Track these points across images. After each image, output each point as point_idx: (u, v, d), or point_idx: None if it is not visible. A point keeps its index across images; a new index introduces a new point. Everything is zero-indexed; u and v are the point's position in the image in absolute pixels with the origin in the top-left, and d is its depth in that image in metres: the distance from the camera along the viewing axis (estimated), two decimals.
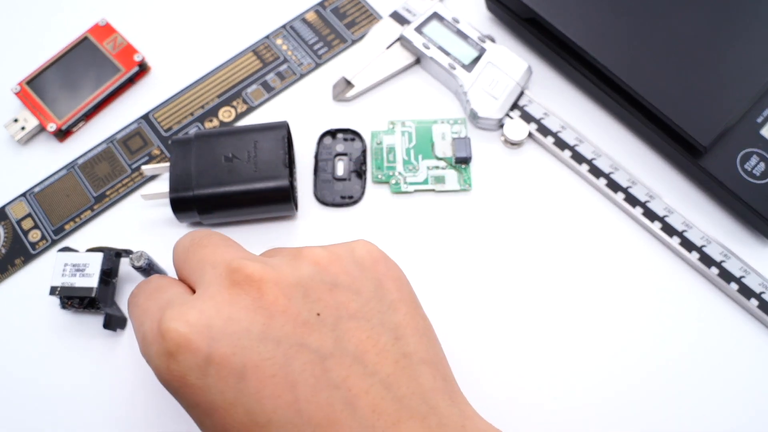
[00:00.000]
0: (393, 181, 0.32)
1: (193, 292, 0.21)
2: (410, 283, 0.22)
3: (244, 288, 0.19)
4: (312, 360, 0.18)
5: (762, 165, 0.30)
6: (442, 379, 0.19)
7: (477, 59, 0.33)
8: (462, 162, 0.32)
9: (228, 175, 0.29)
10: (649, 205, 0.31)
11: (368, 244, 0.22)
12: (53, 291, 0.28)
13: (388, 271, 0.21)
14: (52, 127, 0.33)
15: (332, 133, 0.33)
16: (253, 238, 0.31)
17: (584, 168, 0.32)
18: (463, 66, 0.33)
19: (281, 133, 0.30)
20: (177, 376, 0.18)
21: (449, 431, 0.18)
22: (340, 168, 0.33)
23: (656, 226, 0.31)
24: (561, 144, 0.32)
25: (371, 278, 0.21)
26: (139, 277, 0.31)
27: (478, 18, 0.36)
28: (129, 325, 0.30)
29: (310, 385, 0.18)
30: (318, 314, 0.19)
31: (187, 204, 0.30)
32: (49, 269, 0.31)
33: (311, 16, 0.36)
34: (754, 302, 0.29)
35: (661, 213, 0.31)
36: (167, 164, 0.31)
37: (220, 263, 0.20)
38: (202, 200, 0.29)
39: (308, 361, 0.18)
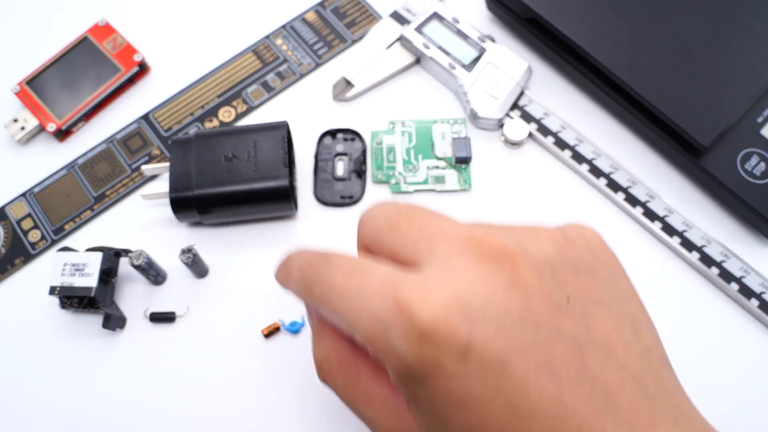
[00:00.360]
0: (393, 181, 0.32)
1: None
2: None
3: (496, 263, 0.17)
4: (570, 348, 0.16)
5: (762, 165, 0.30)
6: (676, 379, 0.18)
7: (477, 59, 0.33)
8: (462, 162, 0.32)
9: (228, 175, 0.29)
10: (649, 205, 0.31)
11: (593, 229, 0.20)
12: (53, 291, 0.28)
13: (615, 258, 0.20)
14: (52, 127, 0.33)
15: (332, 133, 0.33)
16: (253, 238, 0.31)
17: (584, 168, 0.32)
18: (463, 66, 0.33)
19: (281, 133, 0.30)
20: (431, 361, 0.16)
21: None
22: (340, 168, 0.33)
23: (656, 226, 0.31)
24: (561, 144, 0.32)
25: (604, 264, 0.19)
26: (139, 277, 0.31)
27: (478, 18, 0.36)
28: (128, 324, 0.30)
29: (571, 376, 0.16)
30: (568, 298, 0.17)
31: (187, 204, 0.30)
32: (48, 269, 0.31)
33: (311, 16, 0.36)
34: (754, 302, 0.29)
35: (661, 213, 0.31)
36: (167, 164, 0.31)
37: (453, 234, 0.17)
38: (202, 200, 0.29)
39: (566, 349, 0.16)
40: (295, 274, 0.20)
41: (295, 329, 0.29)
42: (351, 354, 0.20)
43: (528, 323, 0.16)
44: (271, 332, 0.29)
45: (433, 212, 0.19)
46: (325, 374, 0.20)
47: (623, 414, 0.16)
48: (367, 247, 0.20)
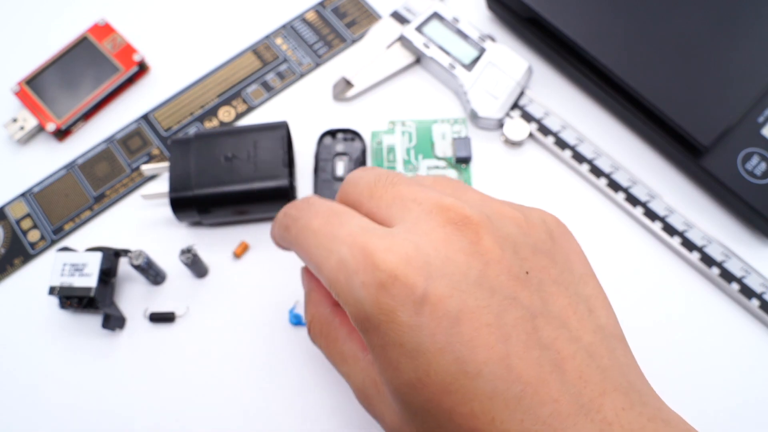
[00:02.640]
0: None
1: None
2: None
3: (460, 229, 0.18)
4: (523, 316, 0.17)
5: (763, 165, 0.30)
6: (631, 356, 0.19)
7: (477, 59, 0.33)
8: (462, 162, 0.32)
9: (228, 175, 0.29)
10: (649, 205, 0.31)
11: (555, 216, 0.22)
12: (52, 291, 0.28)
13: (573, 246, 0.21)
14: (51, 126, 0.33)
15: (332, 133, 0.33)
16: (253, 238, 0.31)
17: (585, 168, 0.32)
18: (464, 66, 0.33)
19: (281, 132, 0.30)
20: (386, 310, 0.17)
21: (649, 410, 0.17)
22: (340, 168, 0.33)
23: (657, 226, 0.30)
24: (561, 144, 0.32)
25: (561, 250, 0.20)
26: (138, 277, 0.31)
27: (478, 17, 0.36)
28: (128, 324, 0.30)
29: (522, 341, 0.17)
30: (527, 272, 0.18)
31: (186, 204, 0.29)
32: (48, 269, 0.31)
33: (311, 16, 0.36)
34: (755, 302, 0.29)
35: (661, 213, 0.31)
36: (167, 164, 0.31)
37: (426, 200, 0.19)
38: (202, 200, 0.29)
39: (520, 316, 0.17)
40: (279, 215, 0.22)
41: (296, 321, 0.29)
42: (332, 315, 0.22)
43: (484, 286, 0.17)
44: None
45: (410, 181, 0.20)
46: (313, 335, 0.22)
47: (572, 382, 0.17)
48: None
